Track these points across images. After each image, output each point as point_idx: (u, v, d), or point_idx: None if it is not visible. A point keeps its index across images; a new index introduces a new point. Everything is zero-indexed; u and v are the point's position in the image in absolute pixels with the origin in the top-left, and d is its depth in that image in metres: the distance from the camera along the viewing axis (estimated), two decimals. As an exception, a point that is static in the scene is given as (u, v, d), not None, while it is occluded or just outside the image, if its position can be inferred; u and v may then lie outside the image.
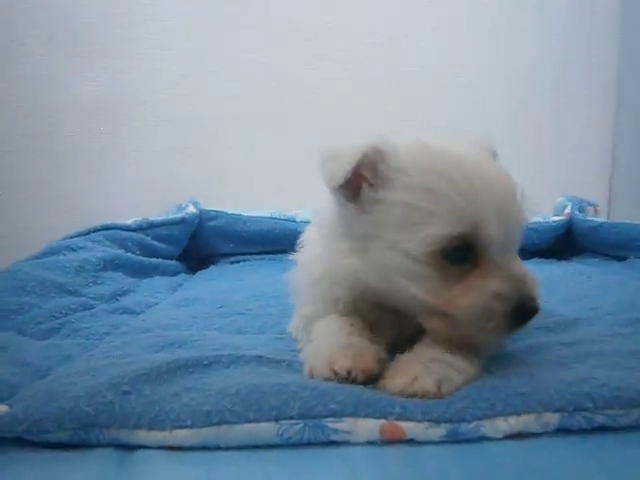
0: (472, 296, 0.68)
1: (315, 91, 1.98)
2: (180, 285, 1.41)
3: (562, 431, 0.64)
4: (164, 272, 1.45)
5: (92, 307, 1.08)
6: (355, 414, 0.63)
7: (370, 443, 0.63)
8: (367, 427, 0.63)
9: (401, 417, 0.63)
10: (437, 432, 0.62)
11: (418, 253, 0.69)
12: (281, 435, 0.63)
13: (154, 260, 1.43)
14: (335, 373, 0.70)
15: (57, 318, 0.99)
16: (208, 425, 0.63)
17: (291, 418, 0.63)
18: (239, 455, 0.62)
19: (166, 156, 1.92)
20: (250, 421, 0.63)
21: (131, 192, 1.91)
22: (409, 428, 0.63)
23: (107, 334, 0.96)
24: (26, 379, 0.76)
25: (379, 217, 0.72)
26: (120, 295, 1.20)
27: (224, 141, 1.95)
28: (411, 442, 0.63)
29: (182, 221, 1.56)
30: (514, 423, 0.63)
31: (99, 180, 1.94)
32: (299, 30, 2.01)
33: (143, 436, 0.63)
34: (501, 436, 0.63)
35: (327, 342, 0.76)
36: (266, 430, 0.63)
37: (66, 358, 0.84)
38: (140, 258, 1.38)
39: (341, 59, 2.00)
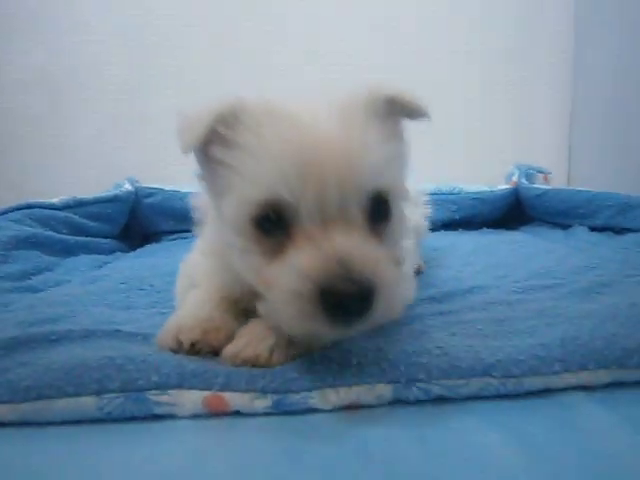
0: (279, 275, 0.58)
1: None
2: (106, 263, 1.38)
3: (401, 403, 0.62)
4: (95, 250, 1.43)
5: (-8, 284, 1.06)
6: (179, 386, 0.61)
7: (195, 416, 0.61)
8: (191, 399, 0.61)
9: (225, 388, 0.61)
10: (262, 403, 0.60)
11: (233, 222, 0.62)
12: (102, 409, 0.61)
13: (82, 238, 1.41)
14: (179, 343, 0.68)
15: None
16: (26, 400, 0.61)
17: (112, 392, 0.61)
18: (60, 430, 0.60)
19: (109, 134, 1.89)
20: (69, 395, 0.61)
21: (74, 171, 1.89)
22: (233, 399, 0.61)
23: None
24: None
25: (217, 181, 0.68)
26: (33, 274, 1.18)
27: (163, 121, 1.91)
28: (237, 415, 0.61)
29: (115, 198, 1.53)
30: (345, 395, 0.61)
31: (40, 158, 1.91)
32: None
33: (-40, 411, 0.61)
34: (330, 407, 0.61)
35: (186, 313, 0.74)
36: (86, 404, 0.61)
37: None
38: (64, 237, 1.36)
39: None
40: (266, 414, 0.61)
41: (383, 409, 0.62)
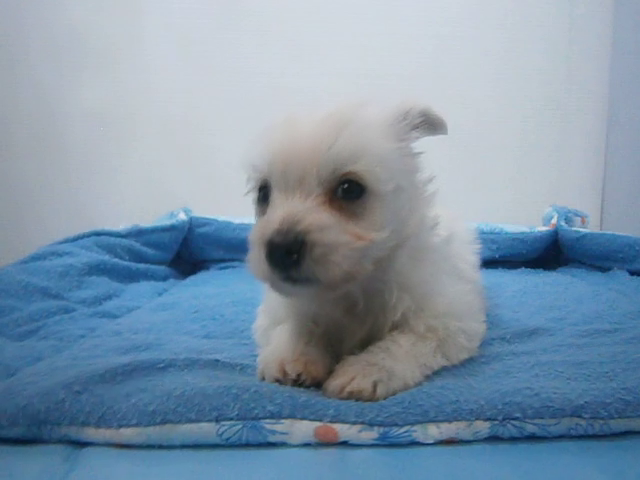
0: (252, 232, 0.73)
1: (310, 100, 2.01)
2: (166, 290, 1.45)
3: (494, 439, 0.67)
4: (152, 277, 1.50)
5: (73, 310, 1.12)
6: (292, 416, 0.66)
7: (305, 445, 0.66)
8: (303, 429, 0.66)
9: (335, 419, 0.66)
10: (369, 435, 0.65)
11: (254, 204, 0.80)
12: (221, 435, 0.66)
13: (142, 265, 1.48)
14: (285, 374, 0.74)
15: (36, 321, 1.04)
16: (152, 424, 0.66)
17: (230, 419, 0.66)
18: (181, 454, 0.66)
19: (162, 165, 1.98)
20: (192, 421, 0.66)
21: (127, 202, 1.97)
22: (342, 430, 0.65)
23: (82, 337, 1.00)
24: (-8, 375, 0.80)
25: None
26: (104, 299, 1.24)
27: (218, 150, 1.99)
28: (344, 445, 0.66)
29: (172, 228, 1.61)
30: (445, 430, 0.66)
31: (97, 187, 2.00)
32: (296, 41, 2.05)
33: (91, 433, 0.66)
34: (432, 441, 0.66)
35: (283, 347, 0.80)
36: (206, 430, 0.66)
37: (36, 359, 0.88)
38: (127, 263, 1.43)
39: (338, 71, 2.04)
40: (372, 445, 0.66)
41: (480, 445, 0.67)
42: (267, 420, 0.66)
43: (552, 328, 1.00)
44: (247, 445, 0.66)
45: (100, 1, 1.95)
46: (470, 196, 1.88)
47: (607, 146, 1.99)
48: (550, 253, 1.78)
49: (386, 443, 0.65)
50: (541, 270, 1.71)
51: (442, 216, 0.87)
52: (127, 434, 0.66)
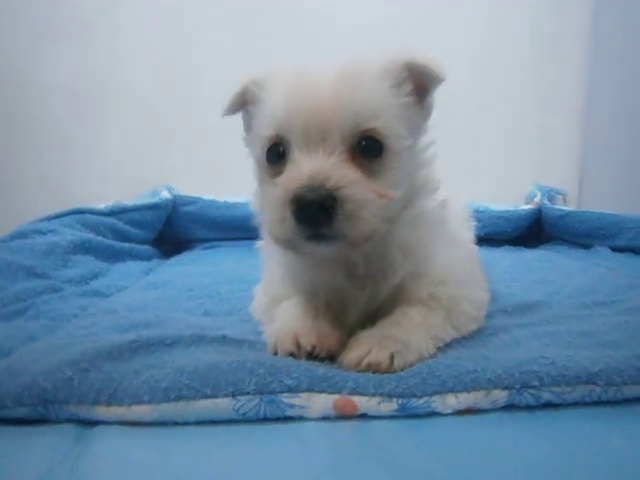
0: (270, 191, 0.70)
1: None
2: (152, 270, 1.41)
3: (511, 407, 0.67)
4: (136, 256, 1.46)
5: (60, 290, 1.08)
6: (310, 389, 0.65)
7: (324, 418, 0.65)
8: (321, 402, 0.65)
9: (354, 391, 0.65)
10: (388, 407, 0.65)
11: (256, 157, 0.77)
12: (237, 410, 0.64)
13: (126, 245, 1.43)
14: (299, 347, 0.72)
15: (23, 300, 0.99)
16: (166, 401, 0.64)
17: (247, 394, 0.65)
18: (196, 430, 0.64)
19: (144, 140, 1.91)
20: (207, 397, 0.64)
21: (109, 176, 1.90)
22: (361, 402, 0.65)
23: (75, 316, 0.96)
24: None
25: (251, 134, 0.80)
26: (90, 279, 1.20)
27: (201, 126, 1.94)
28: (363, 417, 0.66)
29: (155, 206, 1.56)
30: (463, 399, 0.66)
31: (76, 163, 1.92)
32: (284, 18, 2.00)
33: (102, 412, 0.64)
34: (450, 411, 0.66)
35: (293, 322, 0.78)
36: (223, 405, 0.64)
37: (30, 338, 0.84)
38: (111, 242, 1.38)
39: (325, 46, 2.00)
40: (391, 417, 0.65)
41: (497, 413, 0.67)
42: (285, 394, 0.65)
43: (550, 301, 1.01)
44: (264, 420, 0.65)
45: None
46: (454, 176, 1.88)
47: (586, 126, 2.03)
48: (532, 231, 1.80)
49: (405, 414, 0.65)
50: (524, 248, 1.74)
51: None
52: (139, 411, 0.64)
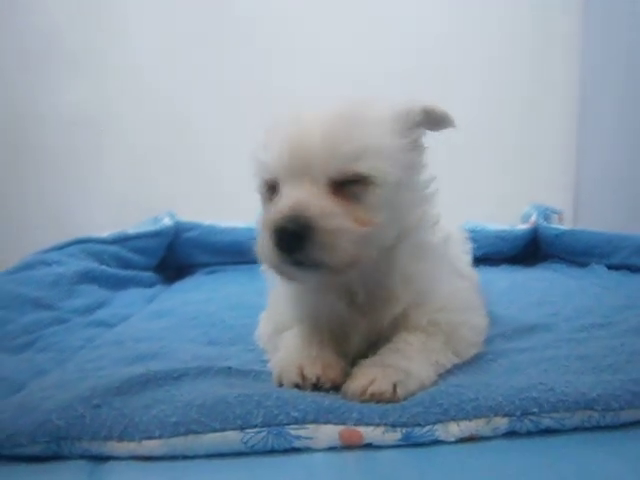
0: (261, 224, 0.77)
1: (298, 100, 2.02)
2: (155, 296, 1.43)
3: (511, 434, 0.69)
4: (139, 283, 1.47)
5: (67, 321, 1.10)
6: (316, 421, 0.67)
7: (330, 449, 0.67)
8: (327, 433, 0.67)
9: (359, 422, 0.67)
10: (393, 436, 0.66)
11: (260, 197, 0.83)
12: (246, 443, 0.66)
13: (129, 272, 1.45)
14: (304, 378, 0.74)
15: (31, 332, 1.01)
16: (176, 435, 0.66)
17: (255, 427, 0.66)
18: (206, 463, 0.66)
19: (143, 168, 1.95)
20: (216, 430, 0.66)
21: (109, 204, 1.93)
22: (367, 433, 0.66)
23: (81, 347, 0.98)
24: (0, 394, 0.78)
25: None
26: (95, 308, 1.22)
27: (201, 153, 1.97)
28: (368, 447, 0.67)
29: (157, 233, 1.58)
30: (465, 427, 0.68)
31: (77, 192, 1.95)
32: (282, 42, 2.04)
33: (113, 447, 0.65)
34: (453, 439, 0.67)
35: (297, 352, 0.80)
36: (231, 438, 0.66)
37: (39, 372, 0.86)
38: (115, 270, 1.40)
39: (326, 71, 2.04)
40: (396, 446, 0.67)
41: (498, 440, 0.69)
42: (292, 426, 0.67)
43: (548, 324, 1.03)
44: (272, 452, 0.66)
45: (78, 2, 1.90)
46: (449, 195, 1.90)
47: (580, 145, 2.06)
48: (529, 250, 1.83)
49: (409, 443, 0.67)
50: (521, 267, 1.76)
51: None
52: (150, 446, 0.65)
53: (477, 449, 0.67)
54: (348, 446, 0.67)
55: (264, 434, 0.66)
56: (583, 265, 1.62)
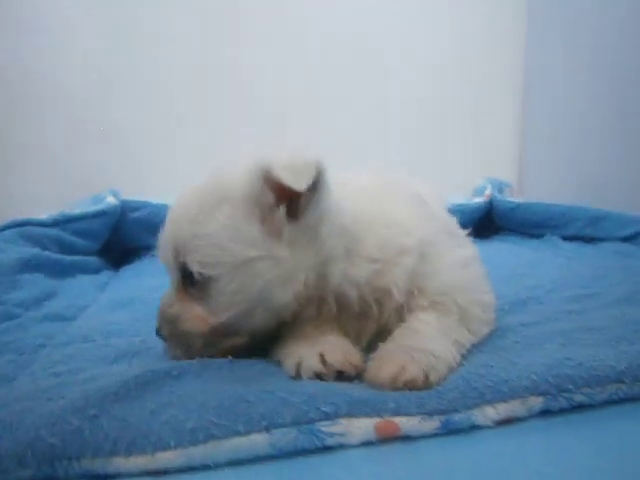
0: None
1: (240, 74, 1.90)
2: (107, 284, 1.29)
3: (544, 413, 0.66)
4: (85, 270, 1.33)
5: (16, 316, 0.96)
6: (349, 414, 0.61)
7: (364, 443, 0.61)
8: (362, 427, 0.61)
9: (396, 413, 0.61)
10: (431, 425, 0.62)
11: None
12: (274, 445, 0.58)
13: (75, 258, 1.30)
14: (328, 366, 0.68)
15: (-24, 332, 0.87)
16: (194, 444, 0.57)
17: (283, 426, 0.59)
18: (230, 473, 0.57)
19: (79, 141, 1.74)
20: (239, 434, 0.58)
21: (41, 181, 1.72)
22: (403, 423, 0.61)
23: (42, 346, 0.85)
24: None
25: None
26: (43, 300, 1.07)
27: (143, 125, 1.81)
28: (405, 438, 0.62)
29: (102, 213, 1.42)
30: (502, 410, 0.64)
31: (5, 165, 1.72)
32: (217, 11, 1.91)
33: (121, 463, 0.56)
34: (490, 423, 0.64)
35: (311, 340, 0.73)
36: (257, 442, 0.58)
37: (2, 377, 0.73)
38: (59, 256, 1.25)
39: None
40: (433, 435, 0.62)
41: (534, 420, 0.66)
42: (323, 422, 0.60)
43: (537, 296, 1.03)
44: (302, 452, 0.60)
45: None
46: (400, 170, 1.89)
47: (524, 121, 2.11)
48: (483, 223, 1.85)
49: (446, 431, 0.63)
50: (477, 240, 1.77)
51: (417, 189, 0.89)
52: (165, 459, 0.56)
53: (515, 431, 0.64)
54: (384, 439, 0.62)
55: (294, 434, 0.59)
56: (537, 237, 1.66)
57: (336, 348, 0.70)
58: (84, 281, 1.24)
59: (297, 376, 0.69)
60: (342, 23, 2.04)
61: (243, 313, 0.72)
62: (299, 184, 0.67)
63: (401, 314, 0.78)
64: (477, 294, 0.83)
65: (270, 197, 0.70)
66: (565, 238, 1.59)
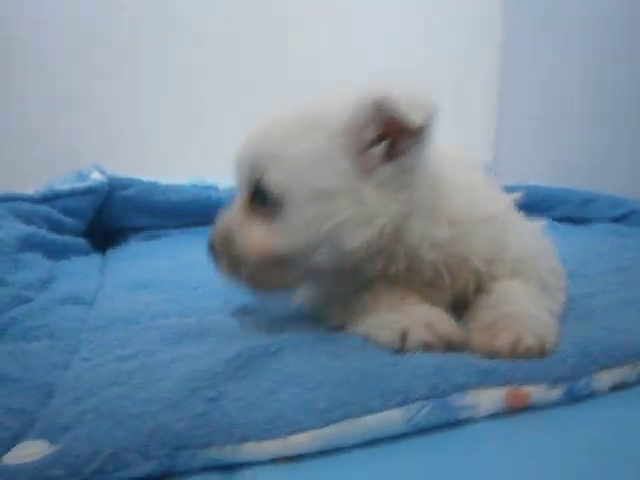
0: None
1: (234, 46, 1.80)
2: (105, 266, 1.16)
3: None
4: (75, 252, 1.19)
5: (28, 299, 0.83)
6: (480, 385, 0.57)
7: (491, 415, 0.57)
8: (491, 397, 0.57)
9: (526, 381, 0.58)
10: (555, 393, 0.59)
11: None
12: (409, 421, 0.53)
13: (66, 238, 1.16)
14: (439, 337, 0.63)
15: (-9, 316, 0.74)
16: (327, 424, 0.51)
17: (417, 400, 0.54)
18: (364, 454, 0.52)
19: (50, 114, 1.57)
20: (374, 411, 0.53)
21: (14, 152, 1.53)
22: (532, 392, 0.58)
23: (78, 330, 0.74)
24: (28, 399, 0.54)
25: None
26: (48, 282, 0.95)
27: (126, 95, 1.66)
28: (530, 408, 0.59)
29: (90, 190, 1.28)
30: (616, 375, 0.63)
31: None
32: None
33: (252, 450, 0.48)
34: (606, 389, 0.62)
35: (412, 309, 0.68)
36: (392, 418, 0.53)
37: (55, 366, 0.62)
38: (53, 236, 1.11)
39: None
40: (555, 404, 0.60)
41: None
42: (454, 394, 0.56)
43: (570, 269, 1.02)
44: (433, 428, 0.55)
45: None
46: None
47: (501, 102, 2.15)
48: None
49: (567, 399, 0.60)
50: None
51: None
52: (299, 442, 0.50)
53: (630, 396, 0.63)
54: (512, 410, 0.58)
55: (428, 408, 0.54)
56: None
57: (440, 317, 0.66)
58: (80, 263, 1.11)
59: (402, 348, 0.64)
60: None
61: (307, 247, 0.67)
62: (415, 119, 0.61)
63: (480, 283, 0.75)
64: (550, 262, 0.82)
65: (372, 130, 0.65)
66: (554, 219, 1.63)
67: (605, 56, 1.73)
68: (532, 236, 0.82)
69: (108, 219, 1.40)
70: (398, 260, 0.71)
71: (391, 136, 0.65)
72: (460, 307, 0.75)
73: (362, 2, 2.05)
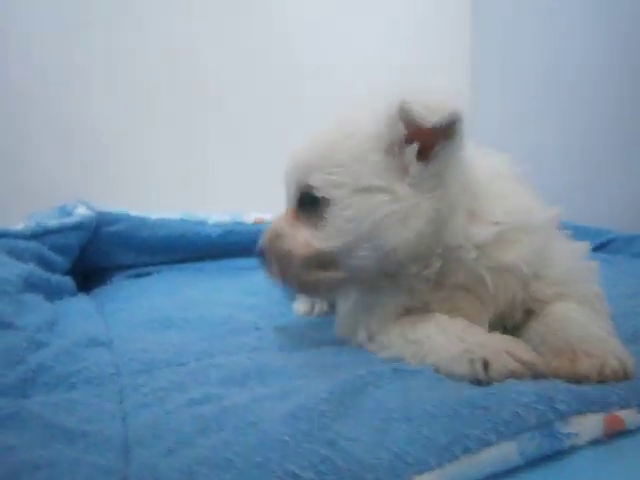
0: None
1: (220, 75, 1.77)
2: (101, 306, 1.07)
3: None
4: (65, 291, 1.09)
5: (43, 343, 0.74)
6: (580, 412, 0.55)
7: (591, 442, 0.55)
8: (592, 424, 0.55)
9: (621, 406, 0.57)
10: (644, 416, 0.58)
11: None
12: (522, 454, 0.51)
13: (59, 277, 1.06)
14: (524, 363, 0.62)
15: (17, 363, 0.66)
16: (450, 460, 0.47)
17: (527, 431, 0.52)
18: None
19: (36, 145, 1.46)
20: (490, 444, 0.50)
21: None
22: (627, 416, 0.57)
23: (114, 375, 0.67)
24: (106, 455, 0.47)
25: None
26: (52, 324, 0.86)
27: (107, 127, 1.58)
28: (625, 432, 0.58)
29: (79, 226, 1.18)
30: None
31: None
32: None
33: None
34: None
35: (482, 337, 0.66)
36: (507, 451, 0.50)
37: (110, 415, 0.55)
38: (47, 275, 1.01)
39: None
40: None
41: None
42: (558, 422, 0.54)
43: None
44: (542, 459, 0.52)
45: None
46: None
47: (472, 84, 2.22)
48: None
49: (653, 421, 0.59)
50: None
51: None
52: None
53: None
54: (608, 435, 0.56)
55: (538, 439, 0.52)
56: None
57: (517, 344, 0.64)
58: (76, 304, 1.02)
59: (484, 378, 0.61)
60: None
61: (350, 245, 0.71)
62: (427, 119, 0.66)
63: (526, 303, 0.75)
64: (593, 285, 0.82)
65: (401, 132, 0.70)
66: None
67: (575, 40, 1.80)
68: (577, 257, 0.82)
69: (92, 256, 1.30)
70: (433, 262, 0.72)
71: (422, 139, 0.69)
72: (498, 327, 0.74)
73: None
